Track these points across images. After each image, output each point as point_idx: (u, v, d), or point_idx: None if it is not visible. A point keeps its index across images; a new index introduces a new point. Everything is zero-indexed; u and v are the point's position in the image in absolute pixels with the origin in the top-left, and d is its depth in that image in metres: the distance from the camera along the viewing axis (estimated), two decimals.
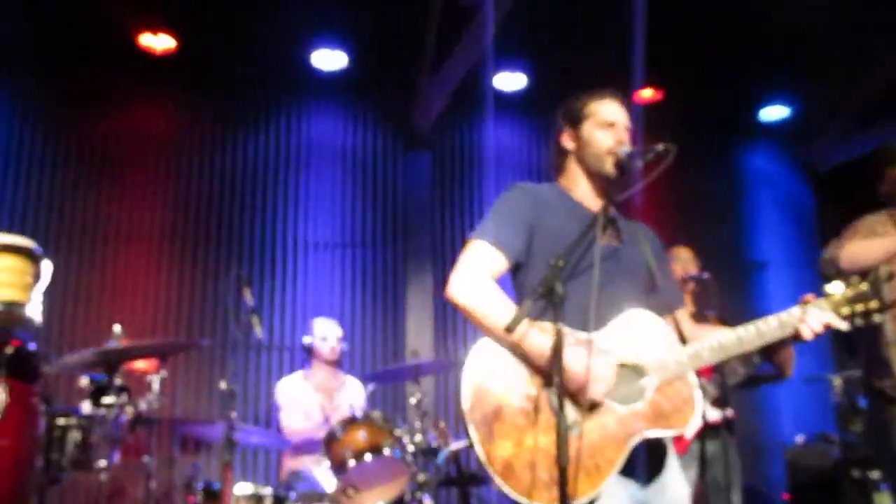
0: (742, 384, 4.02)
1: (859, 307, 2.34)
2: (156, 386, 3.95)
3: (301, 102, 6.92)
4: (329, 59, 6.66)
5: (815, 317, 2.33)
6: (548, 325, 2.26)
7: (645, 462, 2.33)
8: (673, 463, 2.41)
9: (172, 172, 6.54)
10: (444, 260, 6.93)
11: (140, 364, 4.15)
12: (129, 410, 3.70)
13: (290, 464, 4.85)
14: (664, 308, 2.48)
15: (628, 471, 2.28)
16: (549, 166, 2.67)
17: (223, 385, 3.97)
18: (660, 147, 2.33)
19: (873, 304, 2.33)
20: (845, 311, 2.36)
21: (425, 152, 7.20)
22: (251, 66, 6.63)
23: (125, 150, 6.41)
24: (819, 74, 7.28)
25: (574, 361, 2.21)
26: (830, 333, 2.37)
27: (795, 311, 2.35)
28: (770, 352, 2.42)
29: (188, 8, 6.15)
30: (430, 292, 6.87)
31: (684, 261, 4.64)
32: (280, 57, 6.61)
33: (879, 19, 6.48)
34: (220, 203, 6.57)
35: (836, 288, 2.38)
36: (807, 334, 2.34)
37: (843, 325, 2.35)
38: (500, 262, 2.41)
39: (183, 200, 6.50)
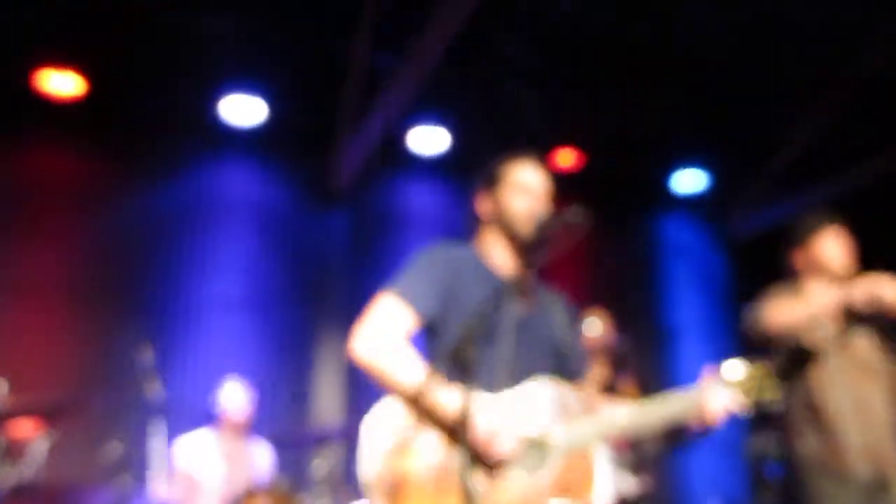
0: (662, 451, 4.07)
1: (759, 390, 2.37)
2: (42, 449, 3.82)
3: (212, 154, 6.86)
4: (243, 110, 6.62)
5: (715, 399, 2.34)
6: (456, 388, 2.24)
7: None
8: None
9: (72, 222, 6.38)
10: (356, 320, 6.79)
11: (25, 425, 3.99)
12: (11, 476, 3.56)
13: None
14: (573, 376, 2.52)
15: None
16: (468, 229, 2.68)
17: (116, 449, 3.80)
18: (569, 214, 2.35)
19: (769, 393, 2.36)
20: (748, 391, 2.37)
21: (342, 210, 7.20)
22: (160, 112, 6.54)
23: (19, 196, 6.27)
24: (734, 140, 7.46)
25: (482, 418, 2.20)
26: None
27: (698, 390, 2.37)
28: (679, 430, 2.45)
29: (95, 48, 6.08)
30: (341, 353, 6.80)
31: (600, 324, 4.68)
32: (192, 105, 6.57)
33: (793, 84, 6.69)
34: (123, 256, 6.45)
35: (735, 370, 2.38)
36: (710, 419, 2.33)
37: (742, 409, 2.36)
38: (409, 320, 2.39)
39: (82, 252, 6.34)
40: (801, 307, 3.33)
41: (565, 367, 2.52)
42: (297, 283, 6.94)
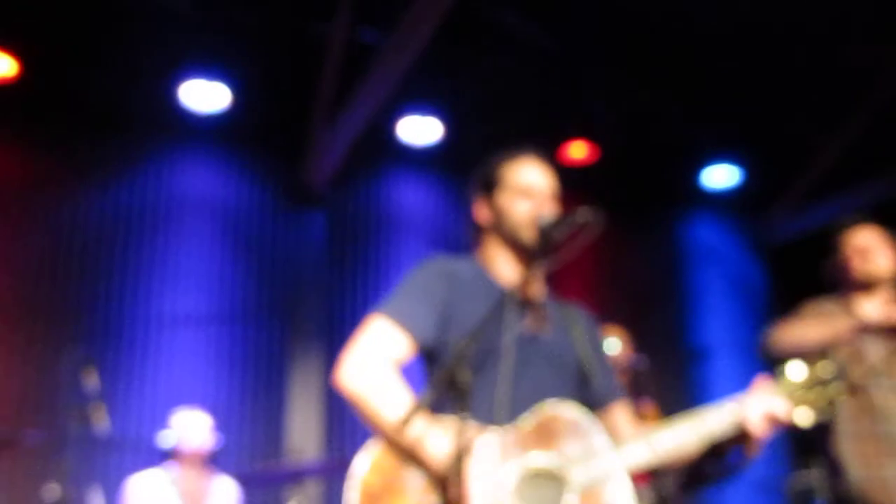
0: (686, 486, 4.07)
1: (817, 394, 2.39)
2: None
3: (169, 147, 6.86)
4: (206, 98, 6.57)
5: (758, 406, 2.37)
6: (451, 423, 2.24)
7: None
8: None
9: (1, 225, 6.33)
10: (336, 340, 6.87)
11: None
12: None
13: None
14: (598, 402, 2.55)
15: None
16: (466, 236, 2.73)
17: (55, 490, 3.82)
18: (578, 216, 2.39)
19: (833, 390, 2.37)
20: (801, 398, 2.39)
21: (319, 212, 7.20)
22: (108, 99, 6.48)
23: None
24: (772, 132, 7.52)
25: (474, 476, 2.19)
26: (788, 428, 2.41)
27: (739, 401, 2.39)
28: (716, 454, 2.45)
29: (30, 25, 5.99)
30: (319, 378, 6.85)
31: (616, 342, 4.78)
32: (146, 91, 6.50)
33: (841, 74, 6.81)
34: (63, 266, 6.41)
35: (794, 371, 2.40)
36: (755, 430, 2.36)
37: (800, 418, 2.38)
38: (402, 346, 2.42)
39: (14, 262, 6.29)
40: (816, 330, 3.36)
41: (589, 391, 2.56)
42: (268, 296, 6.95)
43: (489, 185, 2.65)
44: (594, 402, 2.54)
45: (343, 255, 7.25)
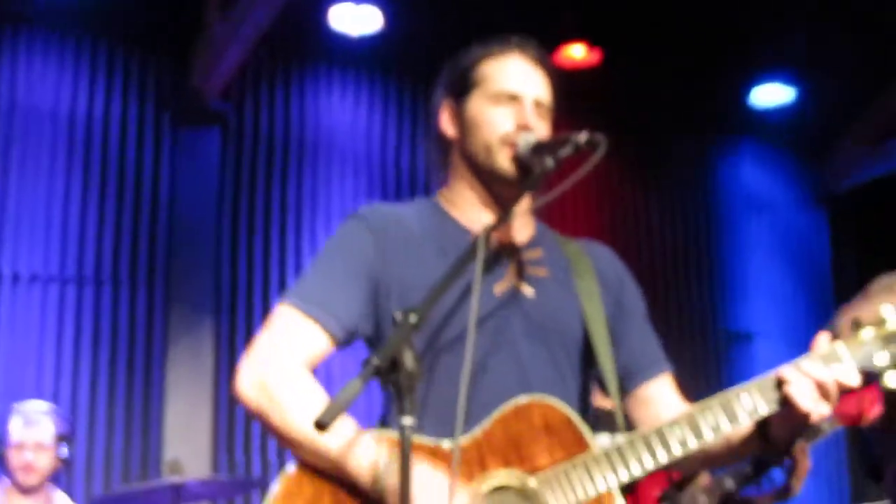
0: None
1: None
2: None
3: None
4: None
5: (815, 370, 2.39)
6: (389, 433, 2.35)
7: None
8: None
9: None
10: (233, 314, 6.92)
11: None
12: None
13: None
14: (627, 379, 2.64)
15: None
16: (426, 163, 2.84)
17: None
18: (581, 137, 2.42)
19: None
20: (882, 357, 2.43)
21: (210, 131, 7.14)
22: None
23: None
24: (841, 53, 7.56)
25: (422, 496, 2.27)
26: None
27: (783, 369, 2.44)
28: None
29: None
30: (208, 366, 6.80)
31: None
32: None
33: None
34: None
35: (885, 311, 2.43)
36: (803, 403, 2.37)
37: (889, 379, 2.43)
38: (319, 343, 2.50)
39: None
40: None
41: (604, 367, 2.61)
42: (135, 252, 6.93)
43: (458, 88, 2.70)
44: (620, 378, 2.61)
45: (246, 193, 7.22)
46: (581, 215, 7.81)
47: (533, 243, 2.67)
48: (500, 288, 2.56)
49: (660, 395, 2.68)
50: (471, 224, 2.64)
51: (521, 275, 2.61)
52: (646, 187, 8.12)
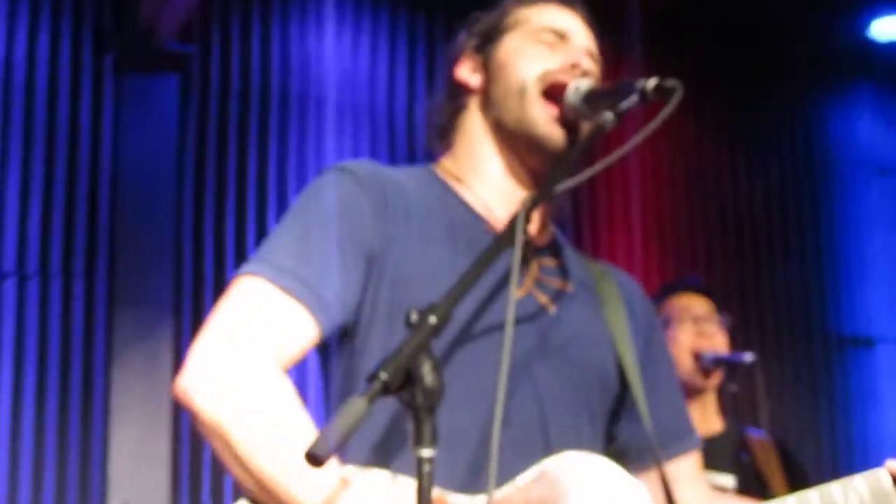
0: None
1: None
2: None
3: None
4: None
5: None
6: (384, 478, 2.34)
7: None
8: None
9: None
10: (198, 312, 6.84)
11: None
12: None
13: None
14: (646, 451, 2.65)
15: None
16: (427, 128, 2.85)
17: None
18: (648, 83, 2.40)
19: None
20: None
21: (165, 79, 7.08)
22: None
23: None
24: None
25: None
26: None
27: None
28: None
29: None
30: (166, 381, 6.47)
31: (696, 322, 4.83)
32: None
33: None
34: None
35: None
36: None
37: None
38: (303, 334, 2.42)
39: None
40: None
41: (629, 428, 2.67)
42: (71, 233, 6.85)
43: (486, 36, 2.73)
44: (637, 448, 2.66)
45: (212, 161, 7.13)
46: (639, 182, 7.71)
47: (553, 248, 2.68)
48: (523, 293, 2.54)
49: (688, 477, 2.72)
50: (483, 207, 2.62)
51: (543, 283, 2.61)
52: (732, 144, 8.03)
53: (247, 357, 2.36)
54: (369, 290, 2.49)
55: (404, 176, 2.65)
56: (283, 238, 2.50)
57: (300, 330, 2.40)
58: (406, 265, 2.49)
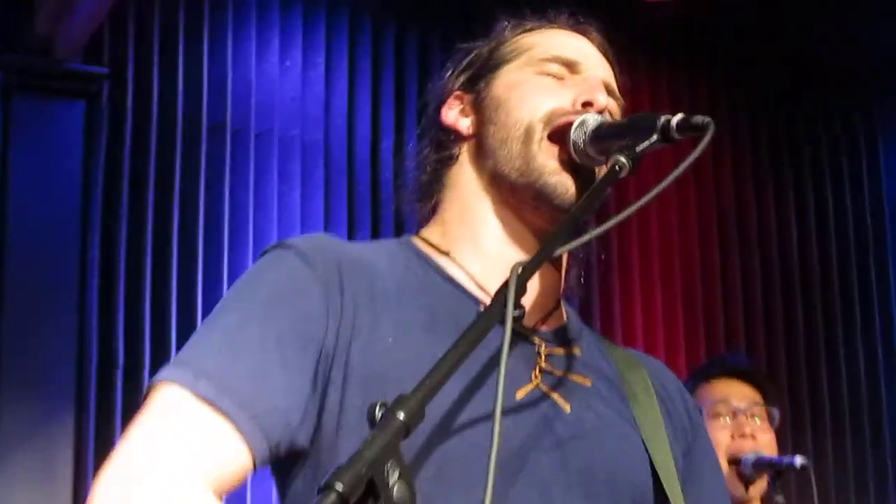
0: None
1: None
2: None
3: None
4: None
5: None
6: None
7: None
8: None
9: None
10: (105, 399, 6.67)
11: None
12: None
13: None
14: None
15: None
16: (403, 189, 2.89)
17: None
18: (674, 120, 2.37)
19: None
20: None
21: (68, 107, 6.94)
22: None
23: None
24: None
25: None
26: None
27: None
28: None
29: None
30: (66, 486, 6.49)
31: (736, 416, 4.95)
32: None
33: None
34: None
35: None
36: None
37: None
38: (235, 460, 2.30)
39: None
40: None
41: None
42: None
43: (479, 70, 2.76)
44: None
45: (125, 205, 6.92)
46: (659, 235, 7.77)
47: (566, 333, 2.65)
48: (523, 392, 2.50)
49: None
50: (474, 286, 2.60)
51: (550, 377, 2.57)
52: (777, 185, 7.91)
53: (171, 483, 2.26)
54: (330, 395, 2.42)
55: (373, 252, 2.63)
56: (209, 334, 2.44)
57: (232, 457, 2.31)
58: (378, 362, 2.43)
